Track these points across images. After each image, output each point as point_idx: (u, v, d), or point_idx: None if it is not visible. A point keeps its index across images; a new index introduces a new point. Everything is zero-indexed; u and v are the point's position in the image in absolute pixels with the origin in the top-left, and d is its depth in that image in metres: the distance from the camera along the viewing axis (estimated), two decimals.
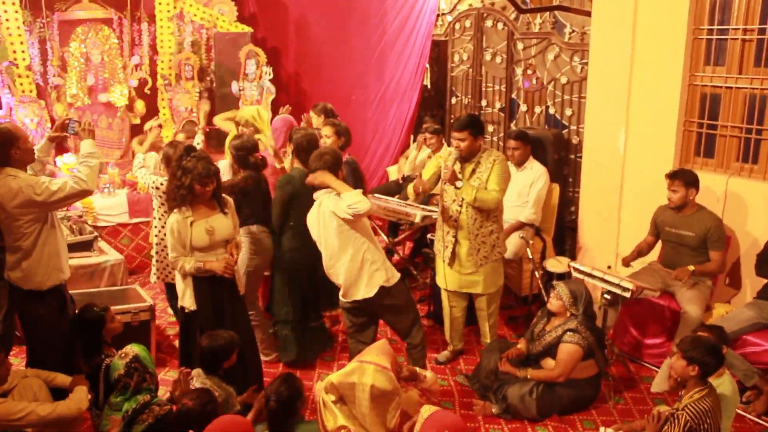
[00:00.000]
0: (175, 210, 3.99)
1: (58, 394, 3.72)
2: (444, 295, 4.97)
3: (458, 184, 4.52)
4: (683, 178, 4.84)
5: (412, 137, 8.02)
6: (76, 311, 4.08)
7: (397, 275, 4.27)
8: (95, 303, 4.10)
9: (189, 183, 3.92)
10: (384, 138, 8.17)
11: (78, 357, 4.03)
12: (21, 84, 7.63)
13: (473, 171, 4.60)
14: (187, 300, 4.09)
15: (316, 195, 4.23)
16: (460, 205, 4.62)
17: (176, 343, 5.31)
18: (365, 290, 4.16)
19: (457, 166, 4.60)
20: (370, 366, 3.42)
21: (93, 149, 4.02)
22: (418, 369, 3.85)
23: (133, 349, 3.61)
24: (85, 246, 5.64)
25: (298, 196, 4.72)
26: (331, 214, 4.06)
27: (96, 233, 5.92)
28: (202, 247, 4.00)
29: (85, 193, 3.90)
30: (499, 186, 4.54)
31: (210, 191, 4.01)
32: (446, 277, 4.82)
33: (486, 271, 4.71)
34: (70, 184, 3.79)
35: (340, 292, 4.29)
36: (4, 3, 7.41)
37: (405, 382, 3.71)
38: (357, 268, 4.13)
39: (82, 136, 4.08)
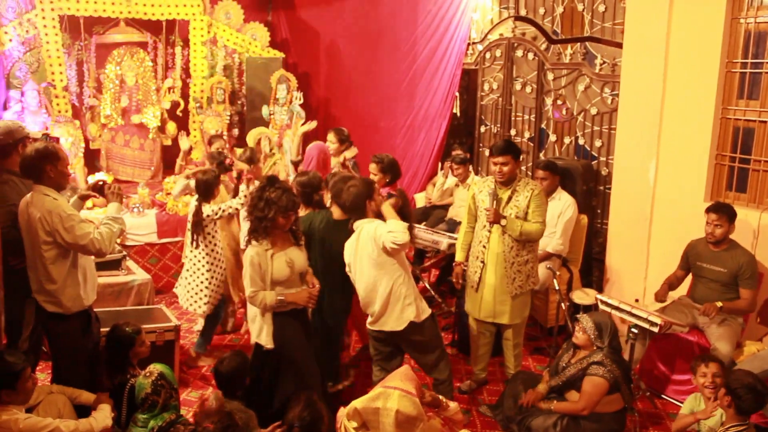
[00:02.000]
0: (253, 242, 3.90)
1: (82, 411, 3.74)
2: (472, 322, 4.94)
3: (503, 222, 4.55)
4: (727, 213, 4.77)
5: (440, 165, 8.03)
6: (111, 326, 4.10)
7: (428, 311, 4.22)
8: (129, 322, 4.12)
9: (273, 215, 3.82)
10: (412, 165, 8.19)
11: (102, 374, 4.05)
12: (57, 104, 7.81)
13: (510, 198, 4.61)
14: (263, 337, 3.97)
15: (356, 224, 4.23)
16: (489, 231, 4.63)
17: (200, 362, 5.34)
18: (394, 323, 4.14)
19: (505, 195, 4.62)
20: (395, 391, 3.39)
21: (118, 214, 4.06)
22: (441, 397, 3.81)
23: (156, 367, 3.62)
24: (113, 265, 5.69)
25: (316, 240, 4.52)
26: (371, 241, 4.05)
27: (124, 252, 5.98)
28: (282, 280, 3.92)
29: (99, 253, 3.89)
30: (542, 217, 4.60)
31: (291, 223, 3.97)
32: (473, 304, 4.81)
33: (515, 302, 4.69)
34: (92, 237, 3.79)
35: (369, 320, 4.27)
36: (45, 27, 7.62)
37: (428, 408, 3.67)
38: (389, 300, 4.10)
39: (110, 199, 4.13)
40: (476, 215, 4.82)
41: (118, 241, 6.35)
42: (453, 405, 3.79)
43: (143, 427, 3.48)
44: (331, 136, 6.35)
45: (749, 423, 3.45)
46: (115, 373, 3.97)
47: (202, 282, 5.16)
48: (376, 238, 4.01)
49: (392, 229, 3.95)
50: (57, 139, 6.88)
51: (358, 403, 3.44)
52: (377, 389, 3.47)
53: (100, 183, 4.31)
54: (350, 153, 6.30)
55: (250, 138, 6.97)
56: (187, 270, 5.23)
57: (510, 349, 4.88)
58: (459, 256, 4.97)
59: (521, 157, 7.23)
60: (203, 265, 5.15)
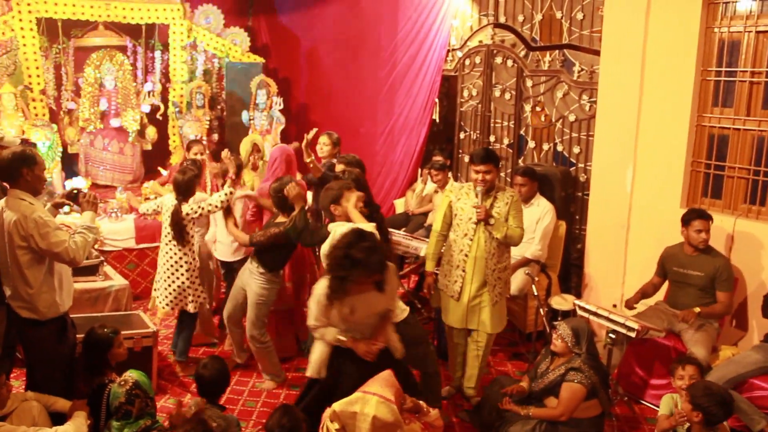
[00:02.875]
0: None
1: (58, 419, 3.70)
2: (450, 331, 4.93)
3: (491, 221, 4.51)
4: (709, 218, 4.84)
5: (419, 171, 8.05)
6: (89, 330, 4.05)
7: (407, 310, 4.24)
8: (107, 324, 4.10)
9: (356, 277, 3.52)
10: (392, 171, 8.21)
11: (79, 377, 4.00)
12: (34, 108, 7.73)
13: (491, 206, 4.59)
14: (312, 363, 3.79)
15: (329, 227, 4.23)
16: (471, 239, 4.59)
17: (177, 368, 5.30)
18: None
19: (486, 203, 4.58)
20: (373, 397, 3.39)
21: (93, 224, 4.01)
22: (422, 403, 3.82)
23: (132, 375, 3.58)
24: (91, 270, 5.64)
25: None
26: None
27: (102, 258, 5.93)
28: (344, 321, 3.68)
29: (72, 262, 3.85)
30: (522, 223, 4.63)
31: (375, 280, 3.63)
32: (453, 314, 4.77)
33: (496, 310, 4.68)
34: (66, 246, 3.75)
35: None
36: (22, 29, 7.54)
37: (408, 414, 3.68)
38: None
39: (85, 208, 4.08)
40: (451, 223, 4.75)
41: (96, 246, 6.30)
42: (434, 411, 3.80)
43: None
44: (324, 139, 6.36)
45: (716, 428, 3.51)
46: (92, 375, 3.92)
47: (183, 281, 5.13)
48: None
49: None
50: (35, 144, 6.81)
51: (337, 406, 3.45)
52: (356, 394, 3.47)
53: (75, 191, 4.26)
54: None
55: (243, 147, 6.73)
56: (167, 270, 5.17)
57: (477, 359, 4.78)
58: (430, 266, 4.89)
59: (501, 163, 7.32)
60: (182, 264, 5.12)
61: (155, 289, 5.29)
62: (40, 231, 3.71)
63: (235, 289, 5.19)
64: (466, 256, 4.62)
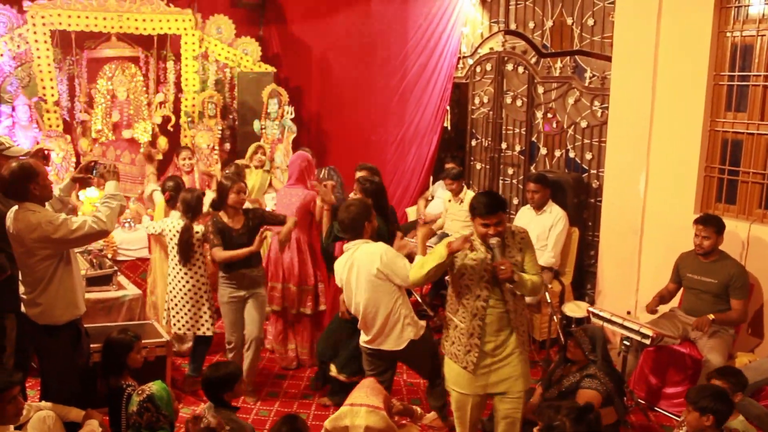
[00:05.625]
0: None
1: (72, 429, 3.71)
2: (461, 404, 3.92)
3: (516, 277, 3.61)
4: (715, 225, 4.79)
5: (431, 179, 8.05)
6: (110, 334, 4.10)
7: (423, 325, 4.26)
8: (129, 329, 4.16)
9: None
10: (403, 179, 8.21)
11: (97, 381, 4.03)
12: (48, 119, 7.79)
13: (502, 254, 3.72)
14: None
15: (349, 245, 4.23)
16: (486, 302, 3.69)
17: (186, 383, 5.30)
18: (394, 343, 4.15)
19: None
20: (361, 408, 3.42)
21: (116, 191, 4.06)
22: (414, 406, 3.85)
23: (151, 387, 3.51)
24: (104, 280, 5.66)
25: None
26: (371, 260, 4.05)
27: (115, 267, 5.94)
28: None
29: (102, 234, 3.90)
30: (538, 266, 3.85)
31: None
32: (469, 382, 3.84)
33: (523, 358, 3.83)
34: (89, 223, 3.79)
35: (363, 337, 4.27)
36: (36, 42, 7.61)
37: (401, 417, 3.70)
38: (388, 320, 4.11)
39: (107, 178, 4.12)
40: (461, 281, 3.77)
41: (110, 255, 6.34)
42: (429, 414, 3.81)
43: None
44: None
45: (725, 429, 3.49)
46: (110, 376, 3.96)
47: (203, 303, 5.19)
48: (386, 263, 4.03)
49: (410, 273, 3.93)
50: (49, 152, 6.85)
51: (327, 423, 3.48)
52: (343, 408, 3.50)
53: (92, 164, 4.24)
54: None
55: (250, 150, 6.91)
56: (180, 291, 5.20)
57: (513, 426, 3.93)
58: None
59: (512, 171, 7.31)
60: (200, 285, 5.18)
61: (166, 309, 5.33)
62: (56, 227, 3.73)
63: (235, 313, 5.11)
64: (482, 321, 3.72)
